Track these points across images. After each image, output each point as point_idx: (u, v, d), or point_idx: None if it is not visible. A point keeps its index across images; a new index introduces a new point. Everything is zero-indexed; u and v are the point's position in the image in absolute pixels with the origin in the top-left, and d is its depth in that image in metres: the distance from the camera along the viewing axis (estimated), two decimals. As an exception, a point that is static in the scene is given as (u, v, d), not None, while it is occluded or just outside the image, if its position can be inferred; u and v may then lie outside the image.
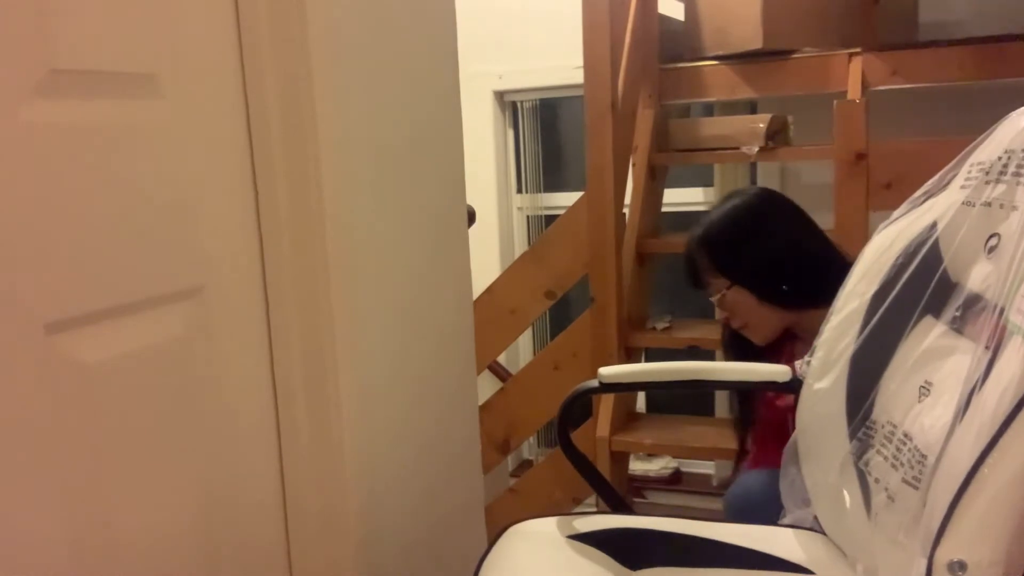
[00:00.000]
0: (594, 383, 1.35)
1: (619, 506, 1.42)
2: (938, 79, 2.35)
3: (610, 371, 1.36)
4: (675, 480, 3.33)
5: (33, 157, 0.87)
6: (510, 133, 3.59)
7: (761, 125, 2.40)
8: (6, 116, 0.85)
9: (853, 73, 2.36)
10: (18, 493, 0.87)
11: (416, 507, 1.41)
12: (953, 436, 0.82)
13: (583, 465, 1.39)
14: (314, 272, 1.19)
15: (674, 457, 3.31)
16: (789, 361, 1.60)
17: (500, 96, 3.52)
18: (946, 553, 0.75)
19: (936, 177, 1.09)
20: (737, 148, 2.43)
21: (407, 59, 1.36)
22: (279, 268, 1.19)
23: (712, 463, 3.28)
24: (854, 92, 2.31)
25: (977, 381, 0.81)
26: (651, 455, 3.33)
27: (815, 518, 1.18)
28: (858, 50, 2.37)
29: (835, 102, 2.21)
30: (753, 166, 3.00)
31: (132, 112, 0.99)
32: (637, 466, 3.30)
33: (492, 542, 1.19)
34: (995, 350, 0.81)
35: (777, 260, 1.62)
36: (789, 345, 1.69)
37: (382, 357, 1.32)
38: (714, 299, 1.68)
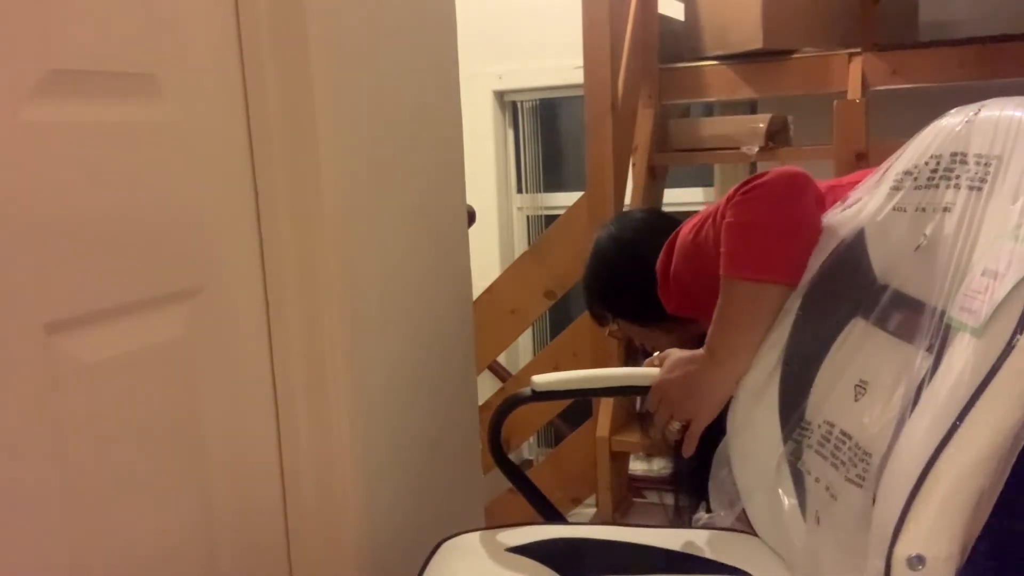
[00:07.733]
0: (527, 392, 1.31)
1: (552, 516, 1.40)
2: (938, 79, 2.34)
3: (544, 379, 1.31)
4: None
5: (33, 157, 0.87)
6: (510, 133, 3.59)
7: (761, 125, 2.40)
8: (6, 116, 0.85)
9: (853, 73, 2.35)
10: (18, 493, 0.87)
11: (416, 507, 1.42)
12: (903, 432, 0.82)
13: (514, 474, 1.38)
14: (314, 272, 1.19)
15: (674, 457, 3.31)
16: None
17: (500, 96, 3.51)
18: (904, 548, 0.74)
19: (863, 183, 1.10)
20: (737, 148, 2.43)
21: (407, 59, 1.36)
22: (279, 268, 1.19)
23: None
24: (854, 92, 2.30)
25: (924, 377, 0.81)
26: (651, 455, 3.32)
27: (738, 519, 1.17)
28: (858, 50, 2.37)
29: (835, 102, 2.21)
30: (753, 166, 3.00)
31: (132, 112, 0.99)
32: (637, 466, 3.29)
33: (427, 558, 1.16)
34: (939, 348, 0.81)
35: (630, 287, 1.55)
36: None
37: (382, 357, 1.32)
38: (609, 330, 1.65)
